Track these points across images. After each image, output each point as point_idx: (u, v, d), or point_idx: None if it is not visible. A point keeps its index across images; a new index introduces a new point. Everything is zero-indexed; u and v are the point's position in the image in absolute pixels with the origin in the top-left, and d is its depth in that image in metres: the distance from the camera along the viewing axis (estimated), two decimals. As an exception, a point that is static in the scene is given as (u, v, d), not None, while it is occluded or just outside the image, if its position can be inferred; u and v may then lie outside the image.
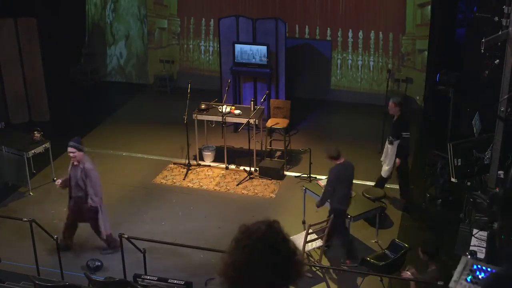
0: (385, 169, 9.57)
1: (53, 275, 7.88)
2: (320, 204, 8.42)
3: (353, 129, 12.45)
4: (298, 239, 7.85)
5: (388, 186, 10.17)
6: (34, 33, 12.29)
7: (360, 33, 13.15)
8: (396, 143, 9.29)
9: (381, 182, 9.75)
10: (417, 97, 13.12)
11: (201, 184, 10.52)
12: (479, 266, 4.88)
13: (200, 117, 11.05)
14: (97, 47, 14.95)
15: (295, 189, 10.13)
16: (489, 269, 4.86)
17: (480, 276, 4.81)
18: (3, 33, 12.06)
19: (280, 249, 2.44)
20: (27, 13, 12.23)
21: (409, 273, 6.64)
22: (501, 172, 7.37)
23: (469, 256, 5.43)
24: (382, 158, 9.72)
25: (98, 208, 8.38)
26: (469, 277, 4.80)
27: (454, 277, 4.75)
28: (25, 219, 7.79)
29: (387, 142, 9.55)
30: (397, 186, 10.24)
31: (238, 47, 11.84)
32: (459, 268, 4.83)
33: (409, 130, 9.28)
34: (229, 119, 10.93)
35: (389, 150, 9.44)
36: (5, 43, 12.10)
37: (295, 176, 10.64)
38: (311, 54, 13.49)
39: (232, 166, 11.01)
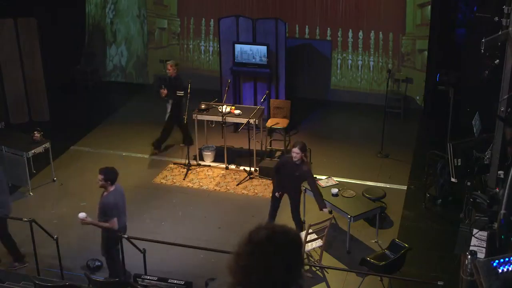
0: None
1: (53, 275, 7.88)
2: None
3: (353, 129, 12.46)
4: None
5: (388, 186, 10.19)
6: (34, 33, 12.29)
7: (360, 33, 13.15)
8: (170, 101, 11.00)
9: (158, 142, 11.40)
10: (417, 97, 13.12)
11: (201, 184, 10.51)
12: (497, 261, 4.75)
13: (200, 117, 11.05)
14: (97, 47, 14.94)
15: (295, 189, 10.12)
16: (506, 259, 4.74)
17: (506, 269, 4.70)
18: (3, 33, 12.06)
19: (290, 251, 2.45)
20: (27, 13, 12.23)
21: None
22: (501, 172, 7.37)
23: (469, 256, 5.41)
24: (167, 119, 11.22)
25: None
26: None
27: (486, 286, 4.66)
28: (25, 219, 7.79)
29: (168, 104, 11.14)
30: (396, 186, 10.27)
31: (238, 47, 11.84)
32: (483, 275, 4.71)
33: (183, 89, 10.69)
34: (229, 119, 10.93)
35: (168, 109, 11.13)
36: (5, 43, 12.10)
37: (295, 176, 10.63)
38: (311, 54, 13.49)
39: (232, 166, 11.01)
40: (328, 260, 8.42)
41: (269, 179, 10.49)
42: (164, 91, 10.91)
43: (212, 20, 13.88)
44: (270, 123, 11.22)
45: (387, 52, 13.11)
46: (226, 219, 9.40)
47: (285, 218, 9.09)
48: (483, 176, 8.41)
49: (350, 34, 13.23)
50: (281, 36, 11.71)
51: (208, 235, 8.99)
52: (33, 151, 10.07)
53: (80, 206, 9.86)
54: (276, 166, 8.81)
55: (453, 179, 8.49)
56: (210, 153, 11.13)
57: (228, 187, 10.39)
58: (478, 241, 6.58)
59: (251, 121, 10.67)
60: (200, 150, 11.18)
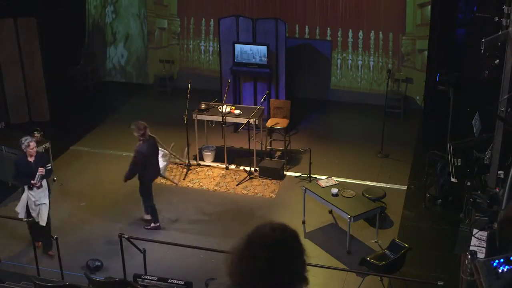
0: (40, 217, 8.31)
1: (53, 275, 7.88)
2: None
3: (353, 129, 12.46)
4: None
5: (388, 186, 10.18)
6: (34, 33, 12.28)
7: (360, 33, 13.15)
8: (45, 183, 8.37)
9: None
10: (417, 97, 13.12)
11: (201, 184, 10.52)
12: (497, 261, 4.75)
13: (200, 117, 11.04)
14: (97, 47, 14.94)
15: (295, 189, 10.13)
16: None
17: (506, 269, 4.69)
18: (3, 33, 12.06)
19: (290, 251, 2.44)
20: (27, 13, 12.23)
21: None
22: (501, 172, 7.37)
23: (469, 256, 5.40)
24: (19, 210, 8.25)
25: None
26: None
27: (486, 286, 4.65)
28: (25, 219, 7.79)
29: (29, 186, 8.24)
30: (396, 186, 10.26)
31: (238, 47, 11.84)
32: (483, 275, 4.71)
33: (50, 161, 8.56)
34: (229, 119, 10.93)
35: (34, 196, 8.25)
36: (5, 43, 12.10)
37: (295, 176, 10.64)
38: (311, 54, 13.49)
39: (232, 166, 11.01)
40: (328, 260, 8.43)
41: (269, 179, 10.51)
42: (42, 170, 8.16)
43: (212, 20, 13.88)
44: (270, 123, 11.22)
45: (387, 52, 13.11)
46: (226, 219, 9.39)
47: (285, 218, 9.10)
48: (483, 176, 8.40)
49: (350, 34, 13.23)
50: (281, 36, 11.71)
51: (208, 235, 8.99)
52: (33, 151, 10.06)
53: (80, 206, 9.87)
54: None
55: (453, 179, 8.49)
56: (210, 153, 11.13)
57: (228, 187, 10.39)
58: (478, 241, 6.58)
59: (251, 121, 10.67)
60: (200, 150, 11.19)
